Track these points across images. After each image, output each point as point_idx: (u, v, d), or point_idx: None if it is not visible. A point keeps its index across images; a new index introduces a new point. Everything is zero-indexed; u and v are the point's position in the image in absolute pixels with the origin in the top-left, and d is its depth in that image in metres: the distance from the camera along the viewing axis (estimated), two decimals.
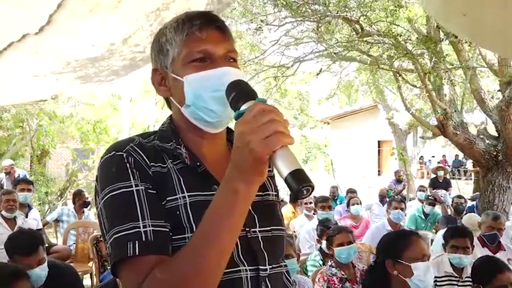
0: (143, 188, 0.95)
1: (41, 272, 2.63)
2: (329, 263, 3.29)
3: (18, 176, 7.88)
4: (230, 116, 1.01)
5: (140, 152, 1.00)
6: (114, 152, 0.99)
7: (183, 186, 0.99)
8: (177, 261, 0.88)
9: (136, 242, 0.89)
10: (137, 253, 0.89)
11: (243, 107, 0.88)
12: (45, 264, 2.67)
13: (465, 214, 6.51)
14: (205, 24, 1.03)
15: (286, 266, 1.12)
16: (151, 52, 1.11)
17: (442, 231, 4.75)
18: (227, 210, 0.86)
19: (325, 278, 3.11)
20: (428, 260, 2.24)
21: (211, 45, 1.02)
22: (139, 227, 0.91)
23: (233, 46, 1.07)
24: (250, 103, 0.87)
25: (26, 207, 5.24)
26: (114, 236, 0.91)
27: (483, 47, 4.71)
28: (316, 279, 3.14)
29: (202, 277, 0.86)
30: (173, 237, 0.94)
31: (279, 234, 1.09)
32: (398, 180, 11.10)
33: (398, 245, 2.27)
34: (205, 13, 1.06)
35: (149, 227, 0.91)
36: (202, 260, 0.85)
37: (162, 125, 1.12)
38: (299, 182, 0.79)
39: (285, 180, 0.80)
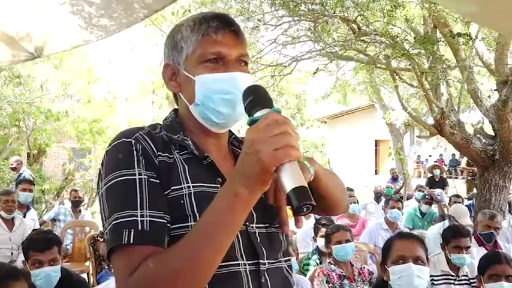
0: (146, 177, 0.96)
1: (52, 272, 2.57)
2: (328, 261, 3.31)
3: (21, 174, 7.82)
4: (237, 118, 1.06)
5: (148, 140, 1.02)
6: (123, 139, 1.01)
7: (188, 177, 1.00)
8: (171, 254, 0.89)
9: (132, 230, 0.90)
10: (131, 241, 0.90)
11: (257, 114, 0.89)
12: (58, 267, 2.62)
13: None
14: (222, 26, 1.05)
15: (287, 261, 1.12)
16: (164, 48, 1.13)
17: (432, 228, 4.87)
18: (226, 212, 0.87)
19: (325, 273, 3.14)
20: (415, 261, 2.14)
21: (226, 48, 1.05)
22: (136, 216, 0.92)
23: (246, 50, 1.09)
24: (264, 111, 0.88)
25: (25, 208, 5.23)
26: (113, 223, 0.93)
27: (485, 26, 4.60)
28: (316, 274, 3.17)
29: (195, 272, 0.87)
30: (177, 226, 0.96)
31: (275, 230, 1.09)
32: (394, 178, 11.14)
33: (384, 250, 2.29)
34: (222, 15, 1.08)
35: (146, 217, 0.92)
36: (196, 256, 0.86)
37: (165, 119, 1.14)
38: (300, 199, 0.80)
39: (287, 195, 0.81)
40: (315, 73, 8.74)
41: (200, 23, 1.06)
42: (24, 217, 4.95)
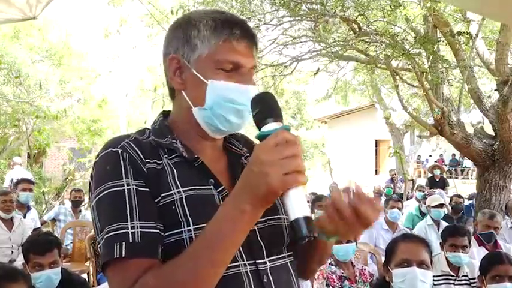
0: (135, 186, 0.94)
1: (52, 275, 2.57)
2: (328, 261, 3.28)
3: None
4: (242, 127, 1.05)
5: (136, 148, 0.99)
6: (110, 149, 0.98)
7: (178, 182, 0.98)
8: (172, 268, 0.87)
9: (123, 243, 0.88)
10: (123, 255, 0.88)
11: (266, 128, 0.87)
12: (58, 269, 2.61)
13: (462, 213, 6.56)
14: (244, 36, 1.03)
15: (290, 256, 1.10)
16: (170, 37, 1.07)
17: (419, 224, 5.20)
18: (230, 229, 0.85)
19: (325, 276, 3.11)
20: (419, 265, 2.12)
21: (244, 58, 1.03)
22: (127, 228, 0.90)
23: (255, 61, 1.07)
24: (274, 125, 0.87)
25: (25, 208, 5.23)
26: (105, 236, 0.91)
27: (489, 17, 4.61)
28: (316, 277, 3.14)
29: (198, 285, 0.86)
30: (170, 233, 0.94)
31: (276, 223, 1.06)
32: (394, 179, 11.16)
33: (388, 251, 2.26)
34: (243, 23, 1.06)
35: (137, 228, 0.90)
36: (197, 271, 0.85)
37: (154, 123, 1.11)
38: (304, 230, 0.82)
39: (291, 222, 0.83)
40: (315, 73, 8.73)
41: (222, 26, 1.02)
42: (25, 217, 4.94)
